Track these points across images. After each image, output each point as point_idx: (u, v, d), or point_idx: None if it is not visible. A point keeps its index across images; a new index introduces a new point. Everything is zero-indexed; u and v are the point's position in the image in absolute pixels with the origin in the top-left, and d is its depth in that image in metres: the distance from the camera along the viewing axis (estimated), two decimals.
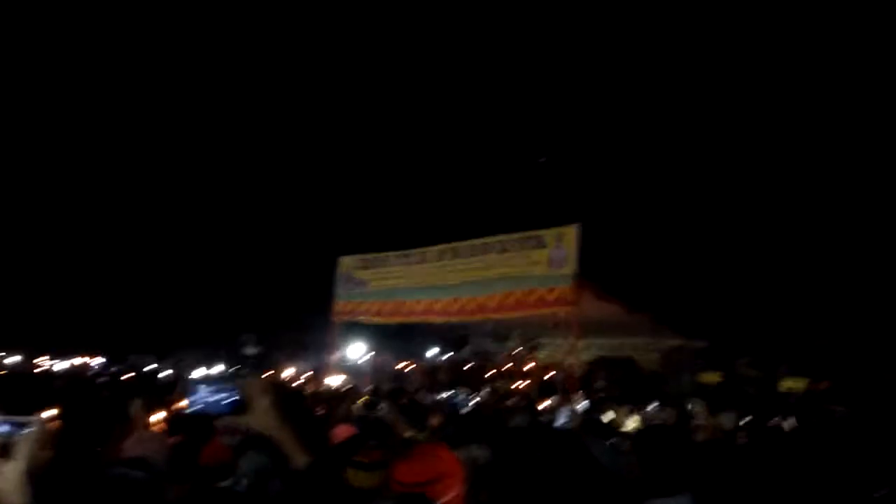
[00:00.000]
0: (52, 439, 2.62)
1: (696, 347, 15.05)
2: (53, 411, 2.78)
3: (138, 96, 26.56)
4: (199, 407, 1.57)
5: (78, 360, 22.60)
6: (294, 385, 15.47)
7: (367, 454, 3.60)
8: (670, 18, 21.18)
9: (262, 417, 1.75)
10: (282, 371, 20.04)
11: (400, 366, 19.74)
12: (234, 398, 1.71)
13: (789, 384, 12.97)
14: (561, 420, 4.96)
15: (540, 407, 10.00)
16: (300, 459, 1.73)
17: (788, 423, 6.80)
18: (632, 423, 7.43)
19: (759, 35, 20.17)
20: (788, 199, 20.20)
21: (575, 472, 1.67)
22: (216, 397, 1.61)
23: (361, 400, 4.55)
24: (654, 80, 22.55)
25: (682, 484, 2.46)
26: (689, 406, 6.43)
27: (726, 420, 7.87)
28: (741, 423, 8.09)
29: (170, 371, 19.56)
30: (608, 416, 7.88)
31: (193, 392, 1.55)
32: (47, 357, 22.87)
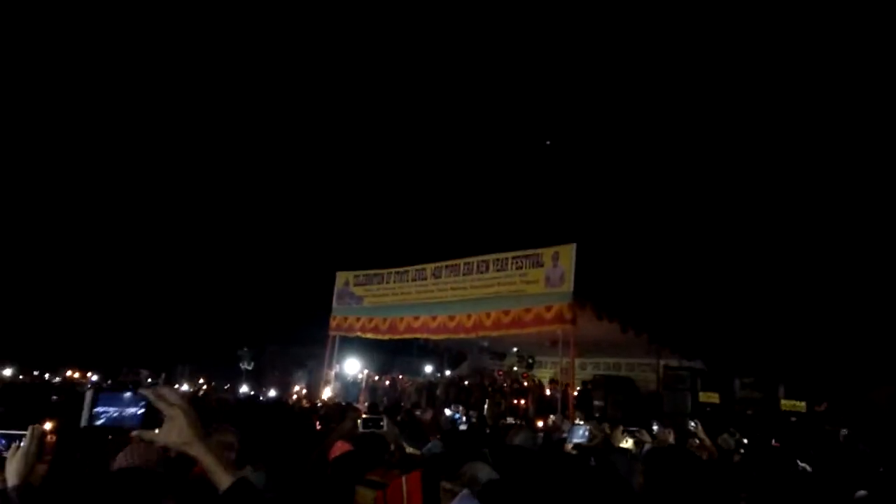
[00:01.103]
0: (48, 452, 2.55)
1: (694, 368, 14.95)
2: (49, 425, 2.70)
3: (131, 119, 26.63)
4: (103, 421, 1.40)
5: (73, 374, 22.41)
6: (290, 400, 15.33)
7: (381, 473, 3.52)
8: (655, 46, 21.34)
9: (174, 432, 1.55)
10: (275, 385, 19.86)
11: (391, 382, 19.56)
12: (143, 410, 1.46)
13: (789, 405, 12.88)
14: (577, 438, 4.78)
15: (539, 424, 9.87)
16: (223, 479, 1.56)
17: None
18: (625, 444, 7.32)
19: (757, 63, 20.31)
20: (786, 222, 20.23)
21: (608, 490, 1.62)
22: (125, 409, 1.41)
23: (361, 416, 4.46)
24: (650, 103, 22.65)
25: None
26: (690, 426, 6.35)
27: (725, 441, 7.80)
28: (742, 443, 8.02)
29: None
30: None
31: (100, 404, 1.40)
32: (40, 371, 22.71)
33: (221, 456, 1.60)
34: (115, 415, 1.55)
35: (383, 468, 3.60)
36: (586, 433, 4.77)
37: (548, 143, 22.13)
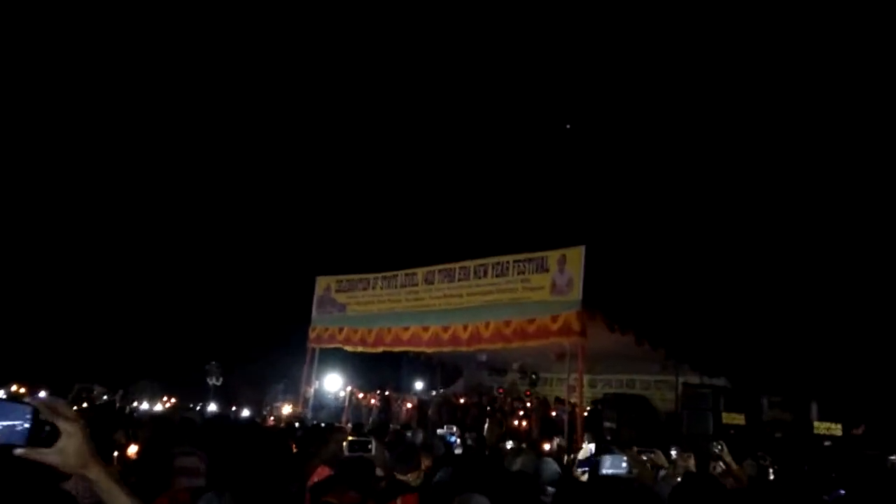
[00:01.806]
0: None
1: (717, 386, 14.95)
2: None
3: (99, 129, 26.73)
4: None
5: (19, 390, 22.25)
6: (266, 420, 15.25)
7: (338, 496, 3.52)
8: (678, 43, 21.45)
9: (71, 451, 1.50)
10: (248, 404, 19.80)
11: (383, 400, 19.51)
12: (29, 425, 1.37)
13: (823, 428, 12.90)
14: (610, 468, 4.39)
15: (545, 447, 9.82)
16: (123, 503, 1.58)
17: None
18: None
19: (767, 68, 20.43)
20: (825, 224, 20.28)
21: None
22: (16, 423, 1.30)
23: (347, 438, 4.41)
24: (665, 103, 22.74)
25: None
26: (716, 448, 6.29)
27: (751, 466, 7.76)
28: (769, 470, 7.99)
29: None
30: None
31: None
32: None
33: (120, 480, 1.60)
34: (8, 429, 1.45)
35: (344, 491, 3.61)
36: (624, 464, 4.30)
37: (568, 126, 22.17)
